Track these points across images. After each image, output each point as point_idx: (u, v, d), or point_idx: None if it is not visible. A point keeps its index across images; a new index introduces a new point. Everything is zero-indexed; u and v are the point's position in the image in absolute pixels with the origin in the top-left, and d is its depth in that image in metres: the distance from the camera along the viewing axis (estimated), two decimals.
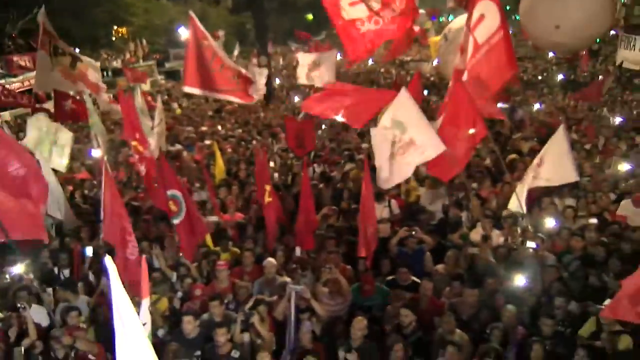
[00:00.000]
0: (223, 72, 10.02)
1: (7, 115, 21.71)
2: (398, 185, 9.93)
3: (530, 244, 7.09)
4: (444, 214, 9.09)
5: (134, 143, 8.20)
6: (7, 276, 7.16)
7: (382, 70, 30.78)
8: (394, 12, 8.95)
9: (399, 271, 7.02)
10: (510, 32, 7.48)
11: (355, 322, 5.81)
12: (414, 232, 7.76)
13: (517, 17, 12.95)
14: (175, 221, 7.44)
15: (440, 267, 7.28)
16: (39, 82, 11.89)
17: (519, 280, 6.33)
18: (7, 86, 22.71)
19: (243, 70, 10.37)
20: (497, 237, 7.76)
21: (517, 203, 7.58)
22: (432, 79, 23.91)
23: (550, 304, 6.11)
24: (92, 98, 12.50)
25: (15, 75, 24.16)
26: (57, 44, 11.17)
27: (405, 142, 6.74)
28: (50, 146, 10.34)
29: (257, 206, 8.87)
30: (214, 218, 8.84)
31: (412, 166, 6.99)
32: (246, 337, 6.00)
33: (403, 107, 6.83)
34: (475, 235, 7.88)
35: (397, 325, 6.10)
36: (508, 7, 15.18)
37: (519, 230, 7.66)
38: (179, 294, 7.00)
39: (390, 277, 7.15)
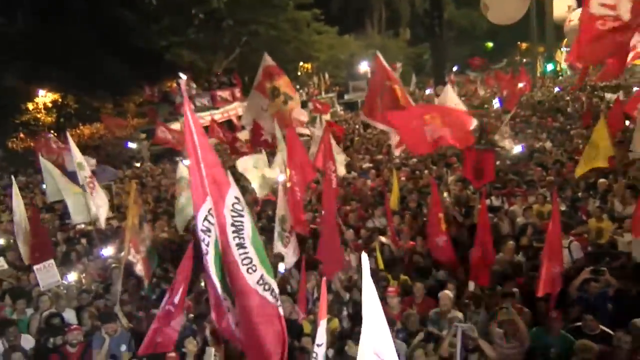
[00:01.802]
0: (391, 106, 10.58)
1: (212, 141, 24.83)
2: (585, 222, 9.07)
3: None
4: None
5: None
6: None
7: (568, 98, 28.09)
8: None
9: (584, 318, 6.31)
10: None
11: None
12: (601, 273, 6.94)
13: None
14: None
15: (638, 320, 6.36)
16: (245, 117, 13.58)
17: None
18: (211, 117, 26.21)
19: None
20: None
21: None
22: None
23: None
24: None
25: (217, 108, 27.52)
26: (276, 85, 12.64)
27: None
28: None
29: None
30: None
31: None
32: None
33: None
34: None
35: None
36: None
37: None
38: (345, 313, 7.18)
39: (575, 324, 6.46)
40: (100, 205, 10.86)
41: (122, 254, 8.46)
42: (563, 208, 9.54)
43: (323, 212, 8.70)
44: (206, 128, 16.43)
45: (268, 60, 12.85)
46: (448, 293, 6.91)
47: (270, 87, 12.69)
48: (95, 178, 11.32)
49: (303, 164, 9.76)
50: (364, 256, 3.33)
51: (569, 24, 28.39)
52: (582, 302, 6.83)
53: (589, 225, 9.02)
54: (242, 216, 4.63)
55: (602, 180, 10.89)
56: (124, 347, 6.98)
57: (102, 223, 11.21)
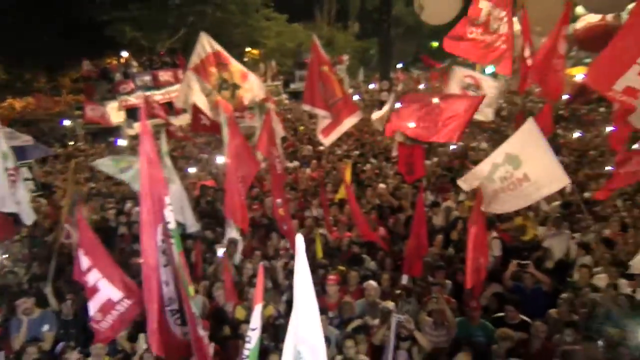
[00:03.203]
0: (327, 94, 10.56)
1: (149, 124, 24.09)
2: (510, 219, 9.56)
3: None
4: (565, 256, 8.53)
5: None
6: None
7: (501, 101, 29.27)
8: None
9: (507, 309, 6.70)
10: None
11: (459, 357, 5.63)
12: (527, 266, 7.44)
13: None
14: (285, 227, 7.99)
15: (553, 311, 6.82)
16: (181, 99, 13.00)
17: None
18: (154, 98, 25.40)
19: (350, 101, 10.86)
20: (624, 287, 7.12)
21: None
22: (560, 112, 22.54)
23: None
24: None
25: (158, 88, 26.71)
26: (225, 77, 12.18)
27: (518, 178, 6.60)
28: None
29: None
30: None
31: (525, 200, 6.82)
32: (338, 359, 6.04)
33: (524, 140, 6.62)
34: (598, 281, 7.30)
35: None
36: None
37: None
38: (285, 298, 7.26)
39: (497, 315, 6.84)
40: (19, 202, 9.27)
41: (54, 234, 8.15)
42: None
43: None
44: None
45: (214, 44, 12.32)
46: (373, 283, 7.17)
47: (217, 76, 12.26)
48: (27, 154, 10.64)
49: (246, 157, 9.52)
50: (299, 237, 3.40)
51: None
52: (518, 291, 7.32)
53: (514, 222, 9.51)
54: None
55: None
56: (46, 327, 6.77)
57: (26, 220, 9.51)
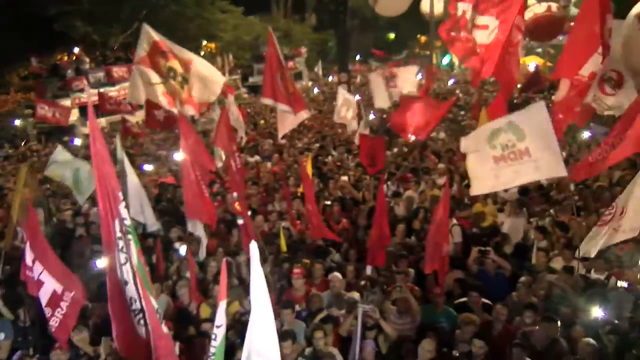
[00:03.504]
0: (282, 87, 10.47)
1: (103, 121, 23.44)
2: (469, 207, 9.80)
3: (622, 283, 6.74)
4: (522, 240, 8.81)
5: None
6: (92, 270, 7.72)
7: (458, 91, 29.92)
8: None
9: (470, 294, 6.88)
10: None
11: (424, 343, 5.74)
12: (488, 252, 7.65)
13: None
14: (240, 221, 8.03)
15: (513, 294, 7.04)
16: (132, 94, 12.61)
17: (601, 314, 6.02)
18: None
19: (304, 82, 10.82)
20: (580, 269, 7.42)
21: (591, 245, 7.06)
22: (515, 101, 23.13)
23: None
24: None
25: (113, 84, 26.02)
26: (171, 65, 11.78)
27: (519, 149, 6.60)
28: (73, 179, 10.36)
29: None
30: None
31: (520, 178, 6.88)
32: (308, 351, 6.06)
33: (532, 118, 6.66)
34: (554, 263, 7.56)
35: (469, 353, 5.94)
36: None
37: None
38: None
39: (460, 300, 7.01)
40: None
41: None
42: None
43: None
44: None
45: (154, 34, 11.91)
46: (337, 275, 7.23)
47: (165, 65, 11.91)
48: None
49: (200, 154, 9.21)
50: (253, 245, 3.43)
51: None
52: (482, 276, 7.55)
53: (473, 209, 9.74)
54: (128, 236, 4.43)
55: None
56: (1, 336, 6.59)
57: None
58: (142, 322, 4.59)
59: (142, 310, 4.53)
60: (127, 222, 4.38)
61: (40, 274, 5.65)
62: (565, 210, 9.22)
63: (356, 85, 32.11)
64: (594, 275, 7.33)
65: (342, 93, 16.48)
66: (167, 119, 12.94)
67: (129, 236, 4.36)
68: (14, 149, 20.72)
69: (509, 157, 6.66)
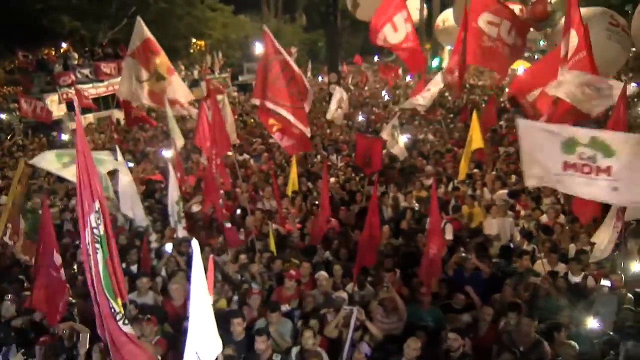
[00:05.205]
0: (290, 86, 10.04)
1: (91, 117, 23.26)
2: (459, 209, 9.93)
3: (605, 282, 6.86)
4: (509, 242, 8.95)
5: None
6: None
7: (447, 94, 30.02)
8: None
9: (455, 295, 6.96)
10: None
11: (410, 342, 5.77)
12: (468, 257, 7.74)
13: None
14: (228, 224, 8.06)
15: (497, 295, 7.13)
16: (121, 90, 12.63)
17: (587, 316, 6.13)
18: (95, 90, 24.63)
19: (306, 84, 10.31)
20: (561, 271, 7.56)
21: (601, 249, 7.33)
22: (503, 104, 23.37)
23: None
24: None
25: (101, 81, 25.82)
26: (156, 62, 11.83)
27: (599, 165, 5.91)
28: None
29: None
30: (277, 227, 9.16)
31: (588, 193, 6.22)
32: (295, 350, 6.05)
33: (628, 142, 5.92)
34: (539, 266, 7.68)
35: (447, 350, 5.98)
36: None
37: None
38: (235, 297, 7.22)
39: (445, 302, 7.09)
40: None
41: None
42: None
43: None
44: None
45: (146, 31, 11.92)
46: (324, 274, 7.27)
47: (154, 63, 11.96)
48: None
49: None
50: (194, 243, 3.67)
51: (441, 26, 29.90)
52: (458, 276, 7.66)
53: (462, 211, 9.86)
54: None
55: (475, 171, 11.89)
56: None
57: None
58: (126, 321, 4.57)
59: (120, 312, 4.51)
60: (98, 231, 4.37)
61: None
62: (549, 214, 9.37)
63: (347, 84, 32.22)
64: (571, 277, 7.46)
65: (339, 91, 16.82)
66: (140, 117, 13.34)
67: (97, 245, 4.36)
68: None
69: (583, 169, 6.02)
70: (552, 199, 10.17)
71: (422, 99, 15.07)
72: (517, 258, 8.12)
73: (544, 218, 9.39)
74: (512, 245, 8.87)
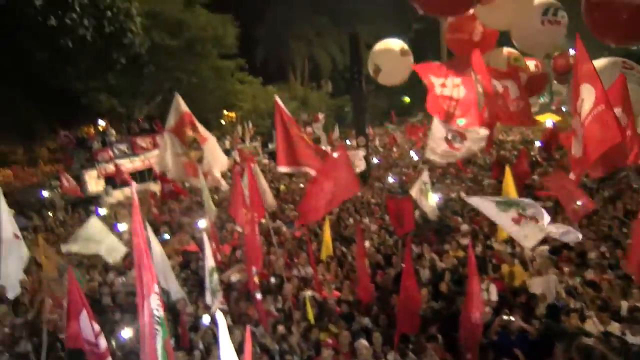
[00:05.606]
0: (307, 150, 10.40)
1: (128, 191, 23.99)
2: (499, 268, 9.64)
3: None
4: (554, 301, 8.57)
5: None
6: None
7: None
8: None
9: None
10: None
11: None
12: (512, 319, 7.40)
13: None
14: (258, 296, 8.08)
15: None
16: (160, 162, 13.13)
17: None
18: (131, 165, 25.59)
19: (322, 147, 10.76)
20: (615, 331, 7.15)
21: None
22: (534, 158, 23.14)
23: None
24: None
25: (137, 155, 26.80)
26: (197, 137, 12.41)
27: (529, 216, 7.51)
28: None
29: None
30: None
31: (530, 238, 7.65)
32: None
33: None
34: (589, 326, 7.31)
35: None
36: None
37: None
38: None
39: None
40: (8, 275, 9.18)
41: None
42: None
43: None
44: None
45: (184, 106, 12.59)
46: (364, 342, 7.08)
47: (190, 136, 12.52)
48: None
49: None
50: (219, 315, 3.84)
51: None
52: (503, 338, 7.25)
53: (502, 270, 9.57)
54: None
55: None
56: None
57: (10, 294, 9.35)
58: None
59: None
60: (159, 312, 4.47)
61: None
62: (595, 269, 9.02)
63: (376, 147, 32.54)
64: (630, 338, 7.05)
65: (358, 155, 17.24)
66: (175, 191, 13.82)
67: (157, 327, 4.45)
68: (42, 220, 21.16)
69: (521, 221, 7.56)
70: (596, 253, 9.82)
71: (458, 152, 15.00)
72: (565, 317, 7.78)
73: (590, 274, 9.04)
74: (557, 304, 8.50)
